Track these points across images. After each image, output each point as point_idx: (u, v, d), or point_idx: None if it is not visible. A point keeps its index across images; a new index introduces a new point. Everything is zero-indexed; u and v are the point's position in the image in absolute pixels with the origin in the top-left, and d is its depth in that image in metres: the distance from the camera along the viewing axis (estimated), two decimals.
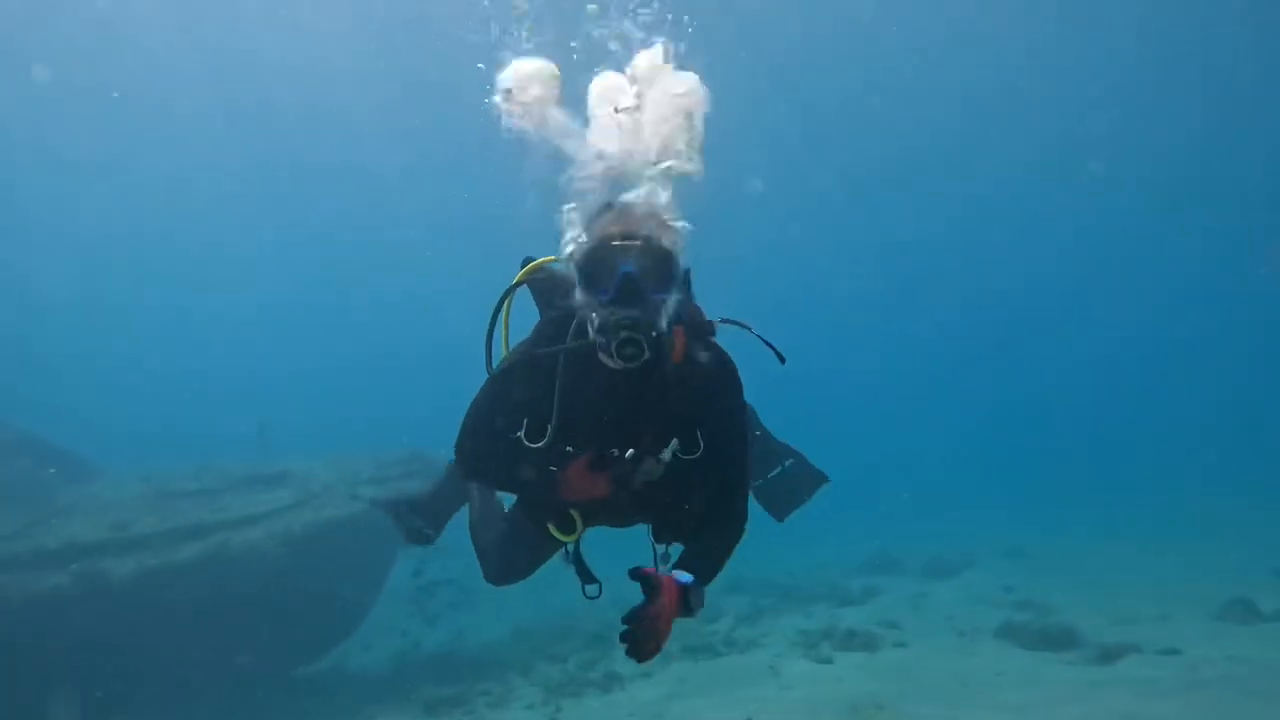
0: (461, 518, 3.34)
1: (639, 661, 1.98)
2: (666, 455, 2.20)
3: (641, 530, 2.50)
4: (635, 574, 2.00)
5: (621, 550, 2.60)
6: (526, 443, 2.24)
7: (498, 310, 2.53)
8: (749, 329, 2.30)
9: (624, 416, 2.19)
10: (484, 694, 8.21)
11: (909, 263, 35.89)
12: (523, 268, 2.59)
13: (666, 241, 2.08)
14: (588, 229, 2.14)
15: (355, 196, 32.89)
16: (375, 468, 10.08)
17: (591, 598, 2.44)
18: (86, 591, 7.53)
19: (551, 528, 2.32)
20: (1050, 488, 21.18)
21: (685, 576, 2.10)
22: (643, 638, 1.93)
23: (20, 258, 32.36)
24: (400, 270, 37.42)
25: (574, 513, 2.31)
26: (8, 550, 8.00)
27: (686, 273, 2.21)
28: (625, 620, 1.94)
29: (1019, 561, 13.27)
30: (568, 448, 2.22)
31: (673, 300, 2.09)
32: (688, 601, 2.05)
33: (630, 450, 2.18)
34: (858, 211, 32.10)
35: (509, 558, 2.78)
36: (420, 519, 3.36)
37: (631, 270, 1.98)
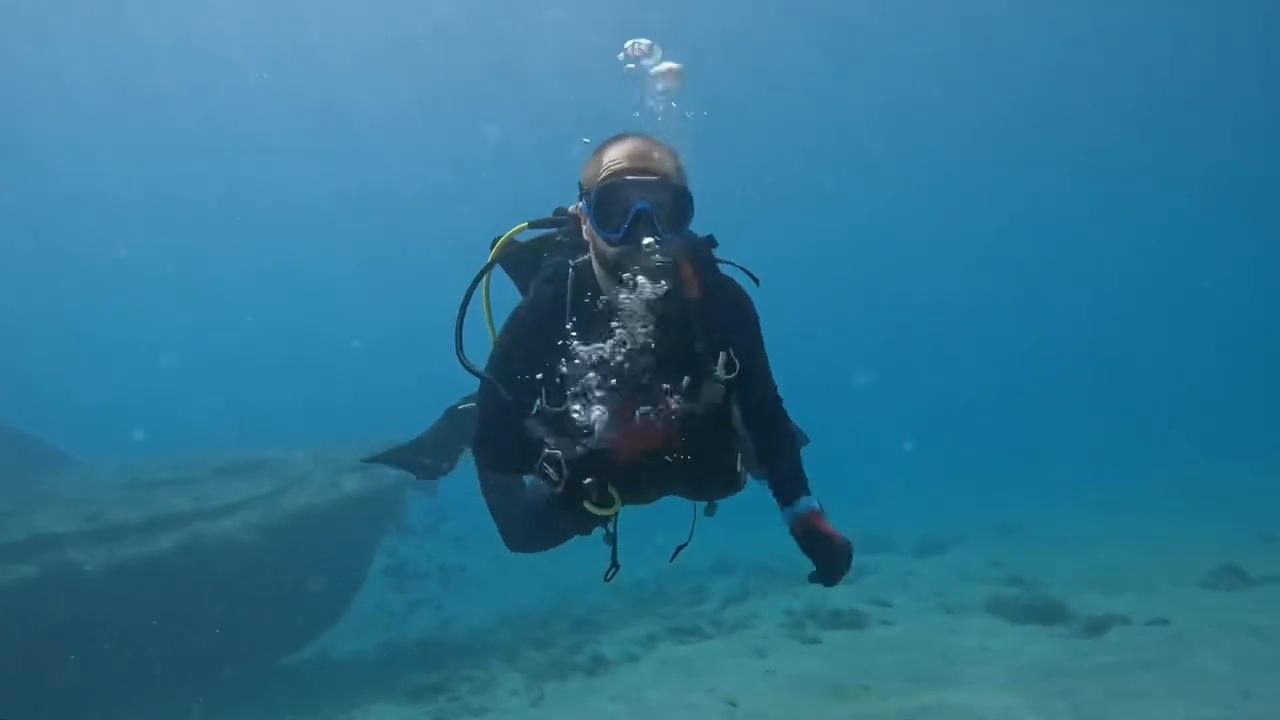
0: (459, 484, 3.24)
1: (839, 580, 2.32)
2: (721, 373, 2.10)
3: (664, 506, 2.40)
4: (797, 532, 2.33)
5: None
6: (549, 408, 2.11)
7: (469, 294, 2.28)
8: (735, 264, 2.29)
9: (649, 358, 2.07)
10: (467, 679, 8.10)
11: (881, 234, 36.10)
12: (492, 248, 2.40)
13: (681, 178, 2.02)
14: (598, 158, 2.05)
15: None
16: (355, 454, 9.91)
17: (608, 580, 2.36)
18: (57, 583, 7.30)
19: (589, 505, 2.08)
20: (1038, 462, 21.28)
21: (807, 503, 2.31)
22: (846, 565, 2.28)
23: None
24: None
25: (611, 487, 2.09)
26: None
27: None
28: (825, 569, 2.31)
29: (1010, 537, 13.30)
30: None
31: (682, 237, 2.04)
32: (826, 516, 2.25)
33: (685, 378, 2.06)
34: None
35: (530, 532, 2.53)
36: (428, 456, 3.28)
37: (646, 208, 1.90)
